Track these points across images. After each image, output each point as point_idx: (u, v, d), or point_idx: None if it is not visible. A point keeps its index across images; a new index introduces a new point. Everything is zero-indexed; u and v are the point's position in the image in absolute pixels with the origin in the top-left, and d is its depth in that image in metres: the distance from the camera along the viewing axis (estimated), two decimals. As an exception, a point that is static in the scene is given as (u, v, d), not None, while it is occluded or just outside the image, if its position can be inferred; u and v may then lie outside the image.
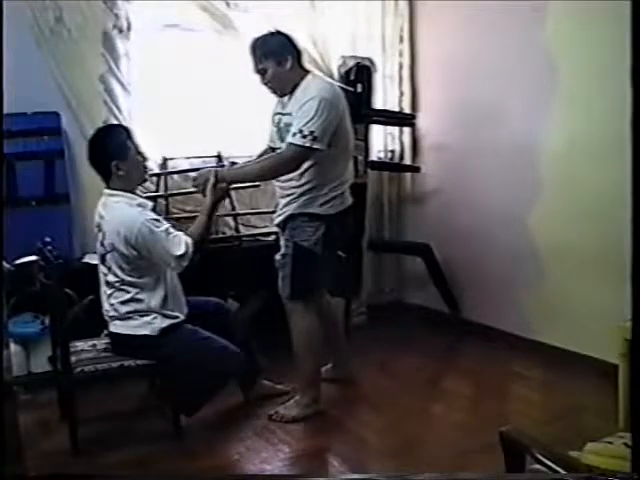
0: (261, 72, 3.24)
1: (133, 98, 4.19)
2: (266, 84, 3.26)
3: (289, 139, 3.09)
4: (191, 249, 2.98)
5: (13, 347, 3.55)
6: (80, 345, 3.21)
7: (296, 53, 3.24)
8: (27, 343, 3.70)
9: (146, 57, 4.23)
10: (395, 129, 4.99)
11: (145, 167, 3.18)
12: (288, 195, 3.27)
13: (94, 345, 3.24)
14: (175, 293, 3.15)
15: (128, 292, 3.03)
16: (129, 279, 3.02)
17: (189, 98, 4.27)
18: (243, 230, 4.37)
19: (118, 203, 3.05)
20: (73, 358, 3.04)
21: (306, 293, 3.30)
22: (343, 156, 3.30)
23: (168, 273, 3.10)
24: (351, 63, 4.44)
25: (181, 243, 2.96)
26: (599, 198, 3.67)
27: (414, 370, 3.96)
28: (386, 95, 4.90)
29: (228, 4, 4.27)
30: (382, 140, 4.96)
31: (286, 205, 3.29)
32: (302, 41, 4.42)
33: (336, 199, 3.27)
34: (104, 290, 3.12)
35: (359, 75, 4.43)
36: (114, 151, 3.04)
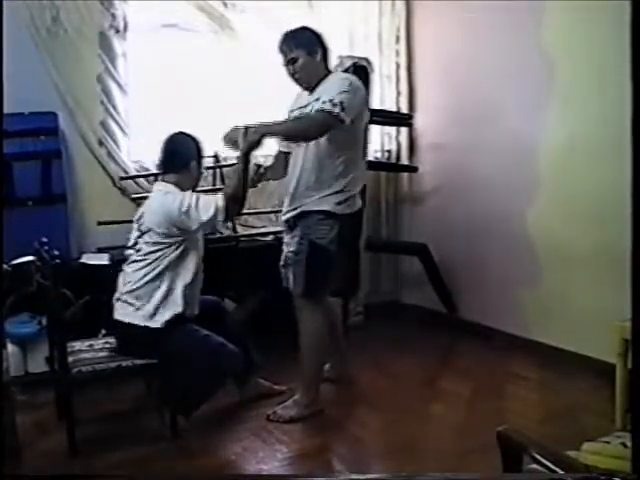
0: (291, 61, 3.25)
1: (130, 98, 4.19)
2: (293, 74, 3.28)
3: (318, 106, 3.10)
4: (222, 206, 3.04)
5: (10, 347, 3.55)
6: (77, 345, 3.21)
7: (324, 50, 3.29)
8: (24, 343, 3.69)
9: (143, 57, 4.23)
10: (392, 129, 4.99)
11: (201, 174, 3.39)
12: (303, 190, 3.27)
13: (91, 345, 3.24)
14: (193, 295, 3.20)
15: (147, 279, 3.08)
16: (151, 266, 3.08)
17: (186, 98, 4.27)
18: (241, 230, 4.37)
19: (165, 193, 3.15)
20: (70, 358, 3.03)
21: (318, 291, 3.29)
22: (359, 153, 3.34)
23: (189, 274, 3.15)
24: (348, 63, 4.44)
25: (210, 207, 3.04)
26: (598, 198, 3.67)
27: (412, 370, 3.96)
28: (383, 95, 4.91)
29: (225, 4, 4.28)
30: (379, 140, 4.97)
31: (299, 200, 3.29)
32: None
33: (350, 199, 3.28)
34: (126, 273, 3.17)
35: (356, 75, 4.42)
36: (194, 152, 3.25)
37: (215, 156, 4.30)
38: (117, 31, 4.09)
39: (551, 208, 3.99)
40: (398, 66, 4.96)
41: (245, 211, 4.34)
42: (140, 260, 3.11)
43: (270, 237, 4.38)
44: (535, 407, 3.42)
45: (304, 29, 3.31)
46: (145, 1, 4.15)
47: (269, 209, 4.53)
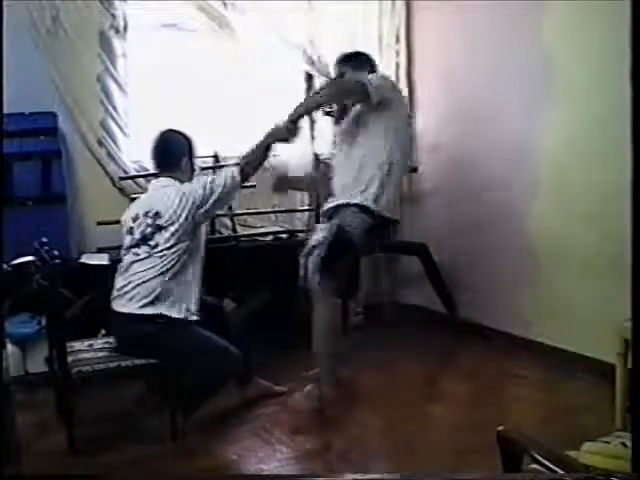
0: (339, 76, 3.52)
1: (130, 98, 4.19)
2: None
3: None
4: (236, 169, 3.22)
5: (10, 347, 3.54)
6: (77, 345, 3.21)
7: (372, 68, 3.54)
8: (24, 343, 3.70)
9: (143, 57, 4.23)
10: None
11: (194, 172, 3.40)
12: (344, 186, 3.38)
13: (91, 345, 3.24)
14: (194, 290, 3.23)
15: (163, 270, 3.10)
16: (169, 259, 3.11)
17: (185, 98, 4.27)
18: (240, 230, 4.37)
19: (174, 186, 3.22)
20: (70, 358, 3.03)
21: (333, 278, 3.28)
22: (401, 157, 3.40)
23: (198, 266, 3.23)
24: (348, 63, 4.44)
25: (227, 172, 3.24)
26: (598, 197, 3.67)
27: (411, 370, 3.96)
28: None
29: (225, 4, 4.28)
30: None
31: (340, 195, 3.38)
32: (299, 41, 4.45)
33: (388, 201, 3.35)
34: (130, 271, 3.17)
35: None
36: (185, 149, 3.31)
37: (215, 156, 4.30)
38: (117, 31, 4.10)
39: (551, 207, 3.99)
40: (398, 66, 4.96)
41: (245, 211, 4.37)
42: (156, 255, 3.11)
43: (270, 237, 4.38)
44: (535, 407, 3.41)
45: (357, 52, 3.61)
46: (145, 1, 4.15)
47: (269, 209, 4.54)
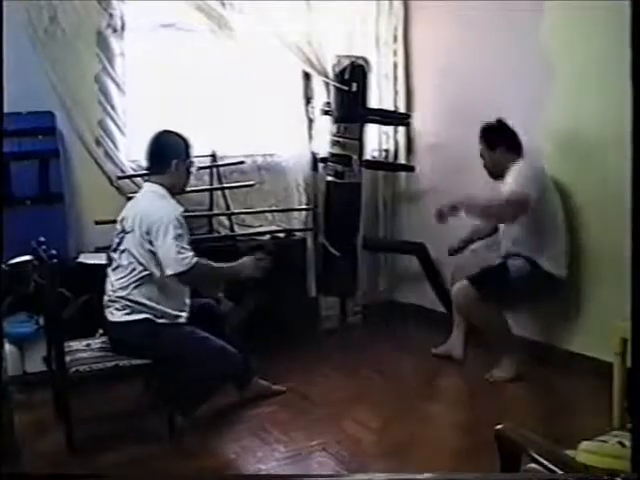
0: (481, 155, 3.88)
1: (128, 98, 4.18)
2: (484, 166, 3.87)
3: None
4: (193, 262, 3.02)
5: (8, 347, 3.54)
6: (75, 345, 3.20)
7: (506, 141, 3.77)
8: (22, 343, 3.69)
9: (141, 57, 4.22)
10: (390, 128, 4.99)
11: (189, 174, 3.32)
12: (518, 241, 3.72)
13: (89, 345, 3.24)
14: (180, 293, 3.21)
15: (136, 281, 3.08)
16: (139, 268, 3.07)
17: (184, 98, 4.26)
18: (238, 229, 4.36)
19: (154, 193, 3.18)
20: (68, 358, 3.03)
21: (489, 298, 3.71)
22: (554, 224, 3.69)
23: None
24: (346, 62, 4.44)
25: (178, 265, 3.01)
26: (597, 198, 3.67)
27: (410, 369, 3.97)
28: (381, 94, 4.90)
29: (223, 4, 4.26)
30: (377, 139, 4.97)
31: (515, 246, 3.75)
32: (297, 41, 4.44)
33: (554, 261, 3.65)
34: (111, 277, 3.16)
35: (353, 74, 4.43)
36: (178, 150, 3.23)
37: (212, 155, 4.30)
38: (115, 30, 4.09)
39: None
40: (396, 65, 4.96)
41: (242, 210, 4.37)
42: (124, 262, 3.09)
43: (267, 236, 4.38)
44: (534, 407, 3.42)
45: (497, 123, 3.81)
46: (143, 1, 4.14)
47: (266, 208, 4.54)
